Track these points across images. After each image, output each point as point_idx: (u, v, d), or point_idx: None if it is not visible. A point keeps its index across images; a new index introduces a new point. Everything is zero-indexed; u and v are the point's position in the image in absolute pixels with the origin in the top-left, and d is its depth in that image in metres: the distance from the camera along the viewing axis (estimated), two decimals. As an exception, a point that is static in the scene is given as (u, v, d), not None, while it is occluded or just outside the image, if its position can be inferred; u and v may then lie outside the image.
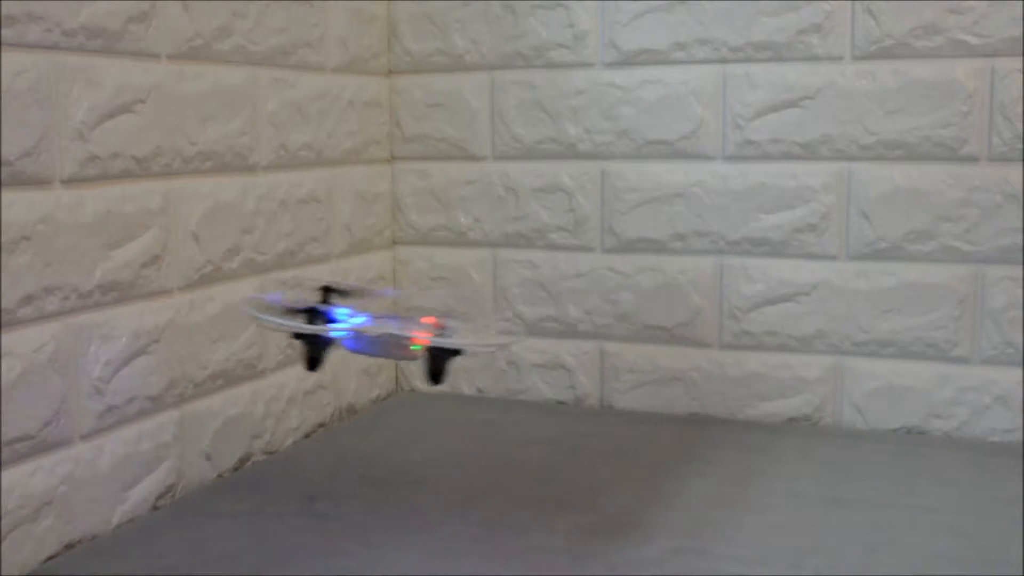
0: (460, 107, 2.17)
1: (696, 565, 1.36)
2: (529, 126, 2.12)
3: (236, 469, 1.77)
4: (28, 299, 1.36)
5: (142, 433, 1.57)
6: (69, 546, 1.44)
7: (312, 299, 1.54)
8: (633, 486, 1.65)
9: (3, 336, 1.33)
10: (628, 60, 2.04)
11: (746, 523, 1.50)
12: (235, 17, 1.73)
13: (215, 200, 1.71)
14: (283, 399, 1.89)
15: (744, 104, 1.97)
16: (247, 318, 1.58)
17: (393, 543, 1.43)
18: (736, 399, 2.04)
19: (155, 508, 1.59)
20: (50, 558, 1.41)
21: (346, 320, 1.49)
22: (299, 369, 1.85)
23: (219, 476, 1.73)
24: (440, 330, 1.44)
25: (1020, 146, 1.82)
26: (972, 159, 1.85)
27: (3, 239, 1.32)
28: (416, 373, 2.23)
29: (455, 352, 1.42)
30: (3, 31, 1.32)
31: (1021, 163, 1.82)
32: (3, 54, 1.32)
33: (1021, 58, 1.81)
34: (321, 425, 2.01)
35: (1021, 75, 1.81)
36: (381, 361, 2.19)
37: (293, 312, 1.50)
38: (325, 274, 1.99)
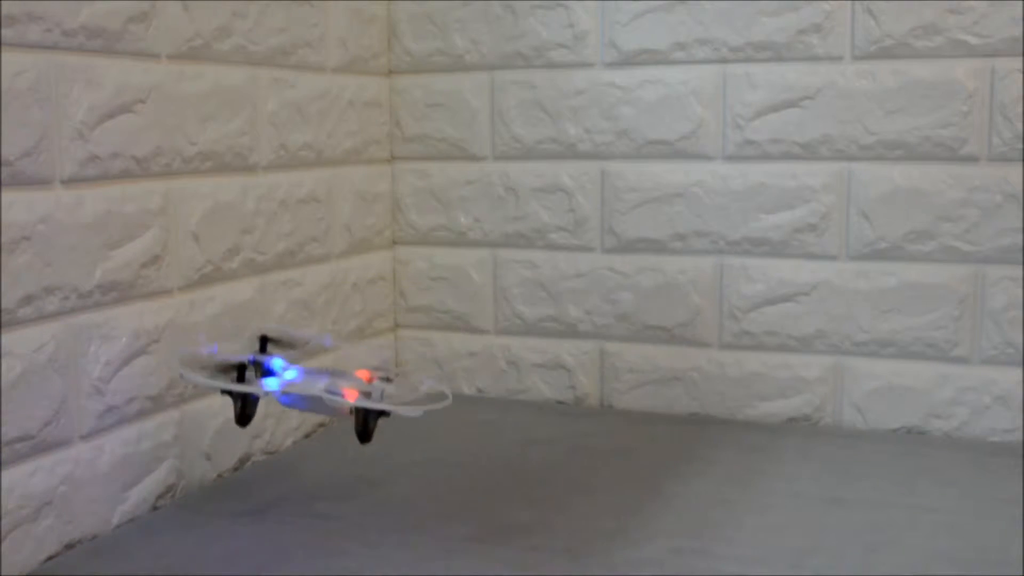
0: (460, 107, 2.17)
1: (696, 565, 1.36)
2: (529, 126, 2.12)
3: (236, 469, 1.77)
4: (28, 299, 1.36)
5: (142, 433, 1.57)
6: (69, 546, 1.44)
7: (249, 350, 1.55)
8: (633, 486, 1.65)
9: (3, 336, 1.33)
10: (628, 60, 2.04)
11: (746, 523, 1.49)
12: (235, 17, 1.73)
13: (215, 200, 1.71)
14: (283, 399, 1.89)
15: (744, 104, 1.97)
16: (177, 376, 1.59)
17: (393, 543, 1.43)
18: (736, 399, 2.04)
19: (155, 508, 1.59)
20: (50, 558, 1.41)
21: (280, 373, 1.50)
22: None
23: (219, 476, 1.73)
24: (370, 385, 1.45)
25: (1020, 146, 1.82)
26: (972, 159, 1.85)
27: (3, 239, 1.32)
28: (416, 373, 2.23)
29: (382, 413, 1.43)
30: (3, 31, 1.32)
31: (1021, 163, 1.82)
32: (3, 54, 1.32)
33: (1021, 58, 1.81)
34: (321, 425, 2.01)
35: (1021, 75, 1.81)
36: (381, 361, 2.20)
37: (228, 366, 1.50)
38: (325, 274, 2.00)
